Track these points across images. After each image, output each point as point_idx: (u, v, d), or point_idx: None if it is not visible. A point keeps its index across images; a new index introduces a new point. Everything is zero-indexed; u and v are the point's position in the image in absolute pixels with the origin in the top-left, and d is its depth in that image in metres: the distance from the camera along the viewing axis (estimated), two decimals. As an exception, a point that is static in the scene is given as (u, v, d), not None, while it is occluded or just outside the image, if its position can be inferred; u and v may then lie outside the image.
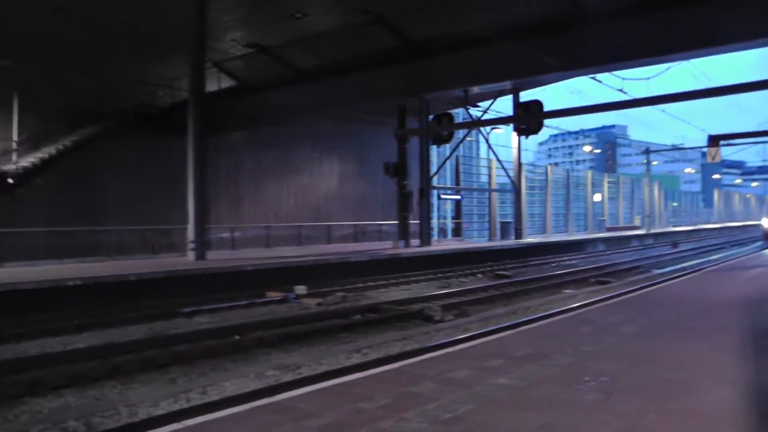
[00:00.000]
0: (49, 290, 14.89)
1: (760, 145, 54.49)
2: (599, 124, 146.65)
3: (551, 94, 44.51)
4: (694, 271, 18.95)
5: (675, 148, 69.37)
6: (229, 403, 6.38)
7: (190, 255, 21.25)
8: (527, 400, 4.91)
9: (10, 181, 22.24)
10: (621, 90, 21.08)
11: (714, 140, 18.40)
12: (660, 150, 67.46)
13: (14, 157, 22.79)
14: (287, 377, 8.80)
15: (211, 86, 25.62)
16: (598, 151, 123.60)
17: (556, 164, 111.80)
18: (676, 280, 15.12)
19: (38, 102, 23.74)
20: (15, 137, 22.84)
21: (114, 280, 16.12)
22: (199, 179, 21.57)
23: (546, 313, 12.58)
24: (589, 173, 54.60)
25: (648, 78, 22.01)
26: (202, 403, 7.49)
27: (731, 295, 11.35)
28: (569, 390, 5.17)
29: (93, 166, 25.33)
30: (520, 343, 7.17)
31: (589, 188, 50.87)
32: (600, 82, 20.90)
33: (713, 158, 18.66)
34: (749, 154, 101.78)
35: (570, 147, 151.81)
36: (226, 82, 27.13)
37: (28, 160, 23.03)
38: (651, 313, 9.34)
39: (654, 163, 66.31)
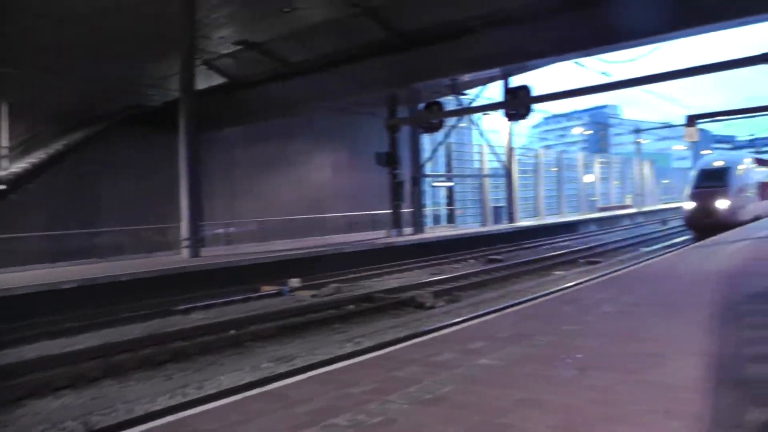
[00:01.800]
0: (45, 294, 15.11)
1: (749, 120, 54.67)
2: (591, 106, 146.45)
3: (540, 79, 44.69)
4: (680, 248, 19.30)
5: (665, 126, 69.62)
6: (224, 395, 6.66)
7: (185, 252, 21.48)
8: (506, 379, 5.17)
9: (2, 187, 22.36)
10: (605, 73, 21.37)
11: (691, 119, 18.71)
12: (650, 129, 67.71)
13: (5, 163, 22.90)
14: (281, 368, 9.10)
15: (202, 84, 25.78)
16: (590, 132, 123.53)
17: (549, 147, 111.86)
18: (662, 257, 15.43)
19: (28, 107, 23.80)
20: (5, 143, 22.96)
21: (109, 280, 16.36)
22: (192, 176, 21.79)
23: (534, 296, 12.89)
24: (581, 155, 54.92)
25: (633, 60, 22.29)
26: (198, 397, 7.78)
27: (711, 270, 11.62)
28: (547, 367, 5.44)
29: (86, 168, 25.44)
30: (504, 326, 7.43)
31: (581, 169, 51.14)
32: (584, 66, 21.15)
33: (691, 137, 19.04)
34: (739, 128, 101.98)
35: (562, 129, 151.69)
36: (217, 80, 27.27)
37: (19, 166, 23.15)
38: (633, 291, 9.62)
39: (645, 141, 66.63)
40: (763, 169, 30.52)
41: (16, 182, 22.86)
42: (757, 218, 26.70)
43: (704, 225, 24.25)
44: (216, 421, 4.49)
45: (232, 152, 31.13)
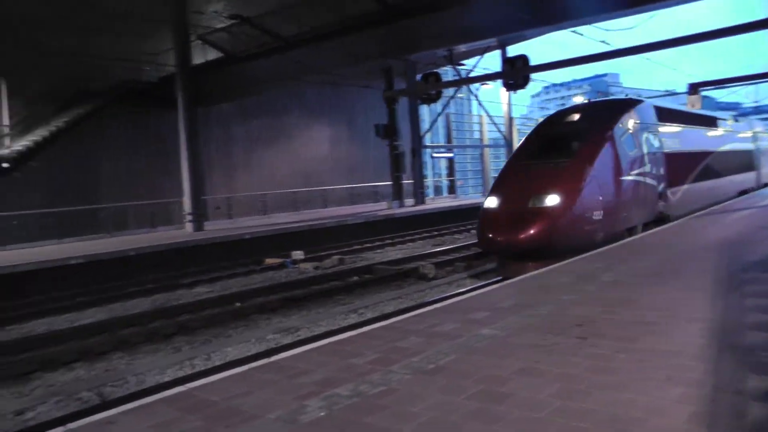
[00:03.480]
0: (51, 270, 15.24)
1: (752, 87, 54.09)
2: (591, 74, 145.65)
3: (538, 48, 44.29)
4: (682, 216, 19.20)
5: (668, 93, 69.14)
6: (230, 366, 6.73)
7: (188, 227, 21.59)
8: (507, 348, 5.21)
9: (5, 165, 22.39)
10: (603, 41, 21.18)
11: (694, 87, 18.58)
12: (652, 96, 67.26)
13: (7, 141, 22.89)
14: (287, 340, 9.18)
15: (198, 59, 25.65)
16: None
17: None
18: (663, 227, 15.39)
19: (26, 86, 23.77)
20: (5, 121, 22.91)
21: (114, 256, 16.44)
22: (192, 151, 21.81)
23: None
24: (581, 124, 54.56)
25: (631, 28, 22.12)
26: (206, 368, 7.87)
27: (712, 238, 11.61)
28: (547, 336, 5.47)
29: (85, 145, 25.52)
30: (506, 296, 7.47)
31: (581, 139, 50.89)
32: (582, 35, 20.99)
33: (693, 105, 18.82)
34: (740, 96, 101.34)
35: (563, 98, 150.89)
36: (212, 54, 27.13)
37: (21, 144, 23.21)
38: (632, 260, 9.61)
39: (646, 109, 66.23)
40: (672, 128, 16.27)
41: (19, 160, 22.90)
42: (664, 219, 15.02)
43: (513, 243, 11.43)
44: (219, 392, 4.55)
45: (230, 127, 31.11)
